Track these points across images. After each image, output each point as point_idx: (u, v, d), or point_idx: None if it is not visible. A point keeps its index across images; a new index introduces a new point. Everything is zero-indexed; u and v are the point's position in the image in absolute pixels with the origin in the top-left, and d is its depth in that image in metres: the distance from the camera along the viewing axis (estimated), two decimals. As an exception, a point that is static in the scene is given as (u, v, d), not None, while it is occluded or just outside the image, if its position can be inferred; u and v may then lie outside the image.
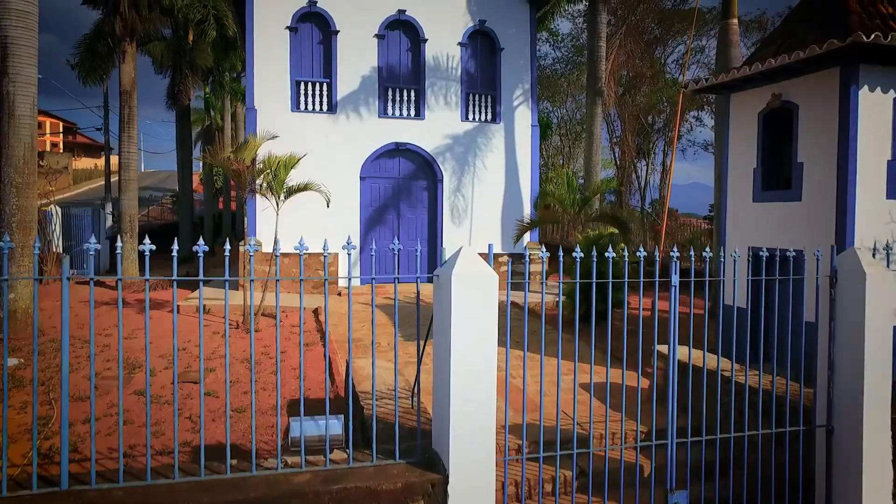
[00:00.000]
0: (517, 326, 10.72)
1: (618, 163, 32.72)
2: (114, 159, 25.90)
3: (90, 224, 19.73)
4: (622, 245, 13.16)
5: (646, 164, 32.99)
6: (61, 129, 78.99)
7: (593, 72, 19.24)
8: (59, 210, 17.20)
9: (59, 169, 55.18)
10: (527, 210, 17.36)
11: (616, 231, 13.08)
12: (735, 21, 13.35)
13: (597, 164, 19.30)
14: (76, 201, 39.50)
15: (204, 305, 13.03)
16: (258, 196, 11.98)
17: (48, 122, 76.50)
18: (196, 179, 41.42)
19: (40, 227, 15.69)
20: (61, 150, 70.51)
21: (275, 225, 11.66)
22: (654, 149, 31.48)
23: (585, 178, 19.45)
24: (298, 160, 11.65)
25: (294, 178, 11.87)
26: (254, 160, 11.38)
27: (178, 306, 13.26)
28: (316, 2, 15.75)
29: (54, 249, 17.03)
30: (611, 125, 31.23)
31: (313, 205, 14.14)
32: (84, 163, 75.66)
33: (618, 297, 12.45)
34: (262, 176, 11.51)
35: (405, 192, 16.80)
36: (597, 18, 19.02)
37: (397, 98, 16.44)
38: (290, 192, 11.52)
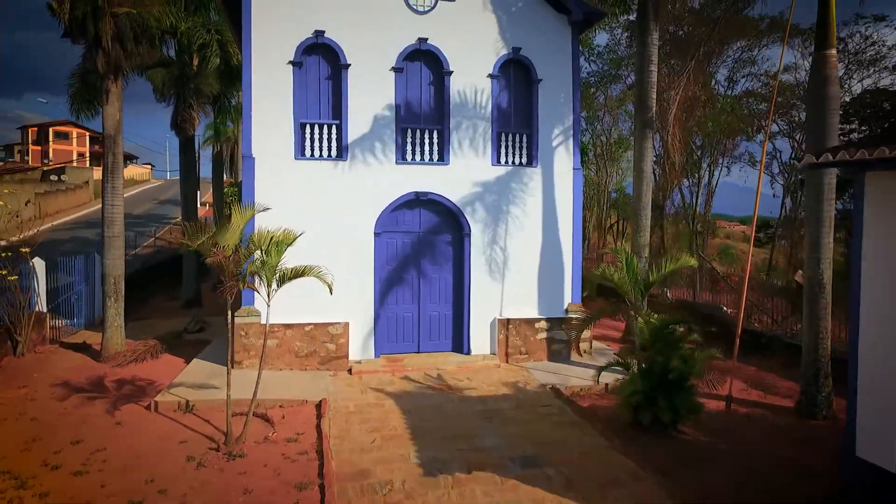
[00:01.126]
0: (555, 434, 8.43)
1: (659, 183, 30.11)
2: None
3: (81, 269, 17.91)
4: (694, 337, 10.80)
5: (689, 182, 30.27)
6: (88, 140, 78.99)
7: (642, 100, 16.79)
8: (40, 264, 15.35)
9: (79, 184, 54.48)
10: (568, 268, 14.98)
11: (686, 320, 10.69)
12: (833, 53, 10.82)
13: (647, 205, 16.86)
14: (89, 221, 38.13)
15: (187, 401, 11.00)
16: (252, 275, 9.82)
17: (75, 132, 76.51)
18: (204, 210, 39.87)
19: (10, 286, 13.83)
20: (88, 162, 70.14)
21: (266, 310, 9.52)
22: (700, 169, 28.55)
23: (634, 223, 17.02)
24: (295, 238, 9.49)
25: (293, 249, 9.64)
26: (242, 239, 9.23)
27: (156, 405, 11.30)
28: (323, 32, 13.60)
29: (37, 308, 15.20)
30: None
31: (321, 263, 12.08)
32: (109, 172, 74.96)
33: (689, 401, 10.08)
34: (253, 255, 9.37)
35: (427, 247, 14.55)
36: (647, 39, 16.56)
37: (417, 140, 14.21)
38: (284, 278, 9.36)
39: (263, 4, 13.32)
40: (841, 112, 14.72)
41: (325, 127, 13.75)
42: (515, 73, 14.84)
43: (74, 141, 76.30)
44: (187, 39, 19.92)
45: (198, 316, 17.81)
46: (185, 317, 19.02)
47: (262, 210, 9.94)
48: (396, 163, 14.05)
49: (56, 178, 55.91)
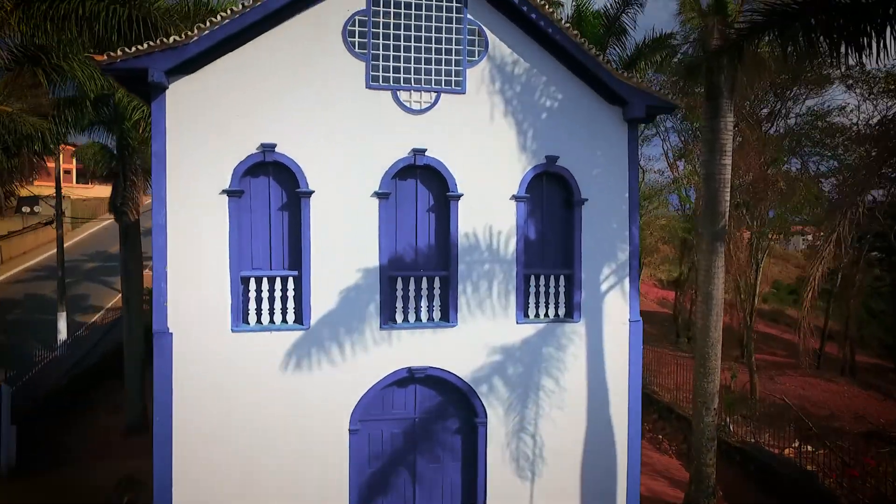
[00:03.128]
0: None
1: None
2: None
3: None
4: None
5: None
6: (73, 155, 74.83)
7: (712, 204, 12.44)
8: None
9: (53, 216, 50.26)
10: (622, 458, 10.70)
11: None
12: None
13: (717, 341, 12.55)
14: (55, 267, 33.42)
15: None
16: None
17: (62, 147, 72.29)
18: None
19: None
20: (74, 179, 66.09)
21: None
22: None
23: (700, 365, 12.69)
24: None
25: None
26: None
27: None
28: (274, 146, 9.33)
29: None
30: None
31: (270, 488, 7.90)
32: (98, 191, 71.02)
33: None
34: None
35: (424, 439, 10.29)
36: (718, 124, 12.21)
37: (411, 294, 9.95)
38: None
39: (185, 109, 9.08)
40: None
41: (278, 281, 9.49)
42: (550, 192, 10.55)
43: (61, 157, 72.16)
44: (126, 104, 15.82)
45: (128, 484, 13.35)
46: (129, 456, 14.63)
47: None
48: (381, 327, 9.78)
49: (29, 209, 51.75)
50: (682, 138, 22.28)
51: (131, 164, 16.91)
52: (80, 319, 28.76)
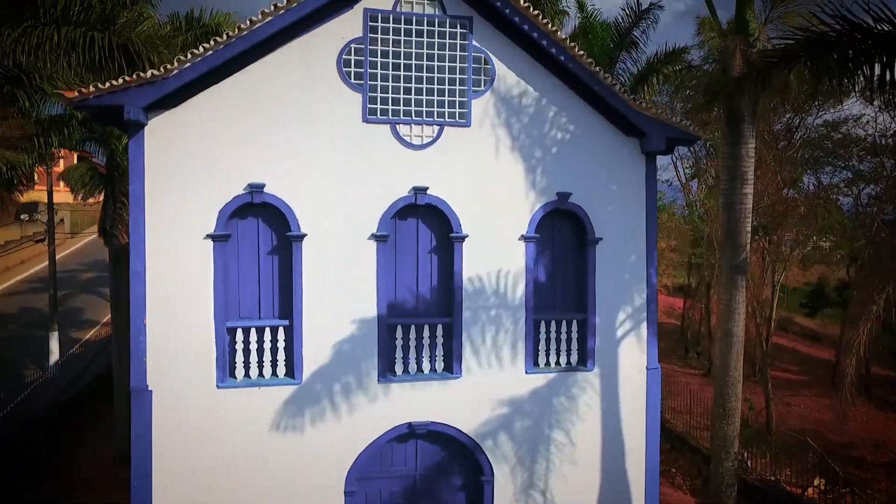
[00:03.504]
0: None
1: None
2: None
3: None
4: None
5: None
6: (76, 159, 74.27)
7: (732, 236, 11.63)
8: None
9: (55, 221, 49.55)
10: (639, 516, 9.96)
11: None
12: None
13: (737, 381, 11.77)
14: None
15: None
16: None
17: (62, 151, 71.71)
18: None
19: None
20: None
21: None
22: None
23: (718, 404, 11.91)
24: None
25: None
26: None
27: None
28: (262, 186, 8.58)
29: None
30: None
31: None
32: (100, 197, 70.34)
33: None
34: None
35: (426, 498, 9.52)
36: (739, 151, 11.39)
37: (412, 343, 9.21)
38: None
39: (166, 146, 8.35)
40: None
41: (268, 331, 8.75)
42: (561, 231, 9.79)
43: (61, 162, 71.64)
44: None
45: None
46: (121, 488, 13.86)
47: None
48: (379, 380, 9.04)
49: (28, 216, 51.04)
50: (694, 152, 21.42)
51: (121, 185, 16.19)
52: (75, 335, 28.09)
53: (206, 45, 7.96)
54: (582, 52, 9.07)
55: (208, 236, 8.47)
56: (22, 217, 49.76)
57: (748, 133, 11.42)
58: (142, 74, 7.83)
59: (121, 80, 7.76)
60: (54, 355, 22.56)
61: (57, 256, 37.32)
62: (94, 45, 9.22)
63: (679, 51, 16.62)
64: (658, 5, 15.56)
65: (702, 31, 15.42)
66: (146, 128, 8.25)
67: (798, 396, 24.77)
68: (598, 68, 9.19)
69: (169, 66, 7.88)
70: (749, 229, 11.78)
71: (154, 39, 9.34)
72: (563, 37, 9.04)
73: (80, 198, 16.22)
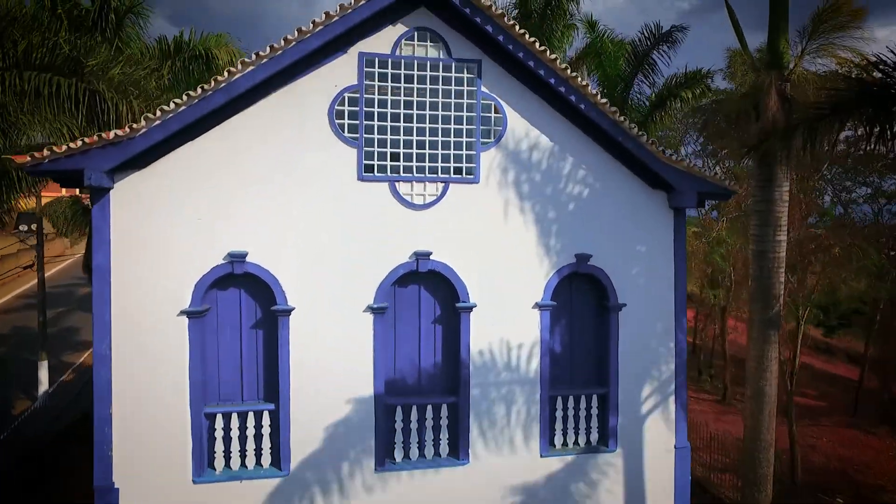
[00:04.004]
0: None
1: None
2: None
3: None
4: None
5: None
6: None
7: (764, 288, 10.63)
8: None
9: (52, 232, 48.71)
10: None
11: None
12: None
13: (770, 444, 10.76)
14: (49, 293, 31.45)
15: None
16: None
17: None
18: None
19: None
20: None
21: None
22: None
23: (747, 469, 10.89)
24: None
25: None
26: None
27: None
28: (244, 255, 7.60)
29: None
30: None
31: None
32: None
33: None
34: None
35: None
36: (772, 195, 10.40)
37: (412, 426, 8.22)
38: None
39: (135, 212, 7.37)
40: None
41: (251, 416, 7.78)
42: (580, 296, 8.77)
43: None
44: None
45: None
46: None
47: None
48: (376, 469, 8.05)
49: (27, 227, 50.14)
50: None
51: (106, 219, 15.26)
52: (67, 359, 27.17)
53: (178, 101, 6.98)
54: (605, 101, 8.04)
55: (183, 312, 7.49)
56: (21, 227, 48.90)
57: (782, 176, 10.40)
58: (103, 136, 6.85)
59: (80, 143, 6.78)
60: (43, 385, 21.67)
61: (56, 269, 36.33)
62: (59, 91, 8.25)
63: (699, 74, 15.62)
64: (681, 26, 14.56)
65: (732, 65, 14.36)
66: (112, 192, 7.28)
67: (819, 427, 23.65)
68: (622, 117, 8.16)
69: (135, 126, 6.89)
70: (782, 280, 10.77)
71: (126, 85, 8.36)
72: (584, 83, 8.01)
73: (62, 235, 15.21)
